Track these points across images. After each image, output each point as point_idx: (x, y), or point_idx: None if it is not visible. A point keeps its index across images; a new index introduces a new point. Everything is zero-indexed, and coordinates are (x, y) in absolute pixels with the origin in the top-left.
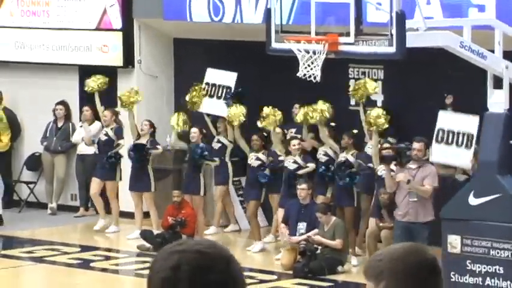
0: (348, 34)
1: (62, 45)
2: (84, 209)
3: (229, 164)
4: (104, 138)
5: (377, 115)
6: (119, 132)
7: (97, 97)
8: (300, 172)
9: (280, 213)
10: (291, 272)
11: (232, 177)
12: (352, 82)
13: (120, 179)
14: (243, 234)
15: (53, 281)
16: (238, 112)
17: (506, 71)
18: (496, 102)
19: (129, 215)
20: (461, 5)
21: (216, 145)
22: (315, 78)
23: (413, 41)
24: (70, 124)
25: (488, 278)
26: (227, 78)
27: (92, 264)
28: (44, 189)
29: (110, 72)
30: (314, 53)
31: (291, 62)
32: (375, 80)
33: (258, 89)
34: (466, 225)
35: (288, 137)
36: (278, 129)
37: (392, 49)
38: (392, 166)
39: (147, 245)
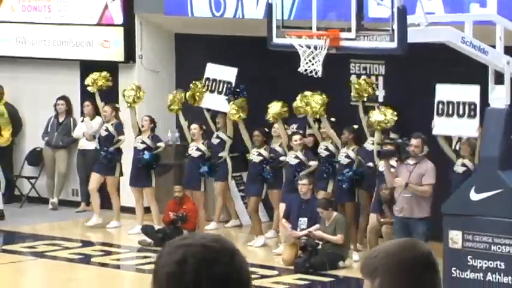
0: (349, 29)
1: (63, 41)
2: (85, 204)
3: (228, 160)
4: (104, 133)
5: (381, 120)
6: (119, 128)
7: (97, 95)
8: (303, 173)
9: (281, 209)
10: (292, 267)
11: (231, 173)
12: (353, 77)
13: (121, 174)
14: (244, 230)
15: (54, 276)
16: (240, 104)
17: (508, 66)
18: (497, 97)
19: (130, 210)
20: (463, 0)
21: (215, 140)
22: (316, 73)
23: (414, 36)
24: (71, 119)
25: (489, 274)
26: (228, 73)
27: (93, 260)
28: (45, 184)
29: (111, 68)
30: (315, 48)
31: (292, 57)
32: (376, 76)
33: (259, 84)
34: (467, 221)
35: (289, 132)
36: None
37: (393, 44)
38: (393, 162)
39: (148, 240)
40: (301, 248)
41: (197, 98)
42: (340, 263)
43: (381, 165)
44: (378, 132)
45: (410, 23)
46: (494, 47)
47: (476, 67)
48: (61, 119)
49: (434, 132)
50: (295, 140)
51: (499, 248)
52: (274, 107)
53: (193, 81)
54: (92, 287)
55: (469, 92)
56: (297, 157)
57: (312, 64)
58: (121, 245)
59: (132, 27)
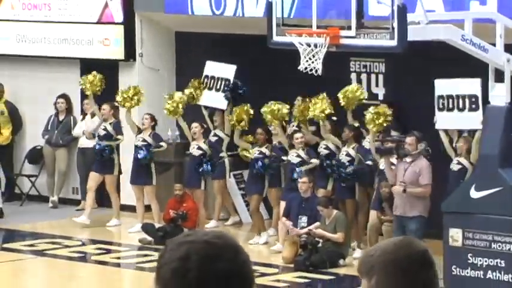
0: (349, 27)
1: (63, 39)
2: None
3: (226, 158)
4: (102, 133)
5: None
6: (117, 127)
7: (91, 97)
8: (302, 168)
9: (282, 207)
10: (292, 265)
11: (229, 171)
12: (353, 76)
13: (119, 172)
14: (245, 228)
15: (54, 274)
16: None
17: (508, 64)
18: (497, 95)
19: (131, 209)
20: None
21: (212, 138)
22: (316, 71)
23: (414, 34)
24: (71, 117)
25: (489, 272)
26: (226, 70)
27: (93, 258)
28: (45, 182)
29: (111, 66)
30: (315, 46)
31: (292, 56)
32: (376, 74)
33: (259, 82)
34: (467, 219)
35: (289, 130)
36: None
37: (393, 42)
38: (394, 160)
39: (149, 238)
40: (302, 246)
41: (195, 96)
42: (341, 261)
43: (382, 163)
44: (371, 133)
45: (411, 21)
46: (494, 44)
47: (477, 65)
48: (61, 118)
49: (437, 126)
50: (297, 138)
51: (499, 246)
52: (267, 109)
53: (192, 80)
54: (92, 285)
55: (470, 85)
56: (298, 155)
57: (312, 62)
58: (121, 243)
59: (133, 26)
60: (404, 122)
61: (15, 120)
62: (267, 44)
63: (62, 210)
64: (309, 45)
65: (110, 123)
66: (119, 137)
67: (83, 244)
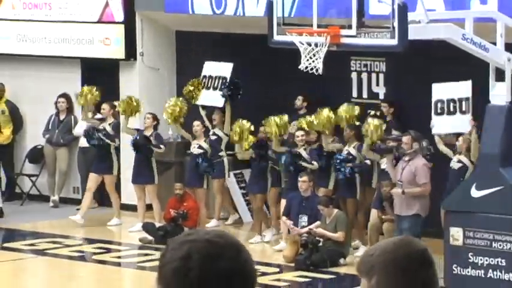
0: (349, 27)
1: (64, 38)
2: None
3: (225, 157)
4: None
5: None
6: (116, 128)
7: (84, 108)
8: (304, 164)
9: (282, 205)
10: (293, 264)
11: (228, 170)
12: (354, 75)
13: (118, 172)
14: (245, 227)
15: (55, 273)
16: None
17: (508, 63)
18: (498, 94)
19: (131, 208)
20: None
21: (212, 137)
22: (317, 70)
23: (415, 33)
24: (72, 117)
25: (490, 271)
26: (223, 68)
27: (93, 257)
28: (46, 182)
29: (112, 65)
30: (316, 45)
31: (293, 55)
32: (377, 73)
33: (260, 81)
34: (468, 218)
35: (291, 129)
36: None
37: (394, 41)
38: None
39: (149, 237)
40: (302, 245)
41: (194, 96)
42: (341, 260)
43: (383, 163)
44: (366, 143)
45: (411, 20)
46: (495, 44)
47: (477, 64)
48: (62, 117)
49: (434, 131)
50: (298, 136)
51: (500, 245)
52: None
53: (191, 80)
54: (93, 285)
55: (462, 88)
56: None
57: (313, 61)
58: (122, 243)
59: (133, 25)
60: (404, 121)
61: (16, 119)
62: (268, 43)
63: (62, 209)
64: (309, 44)
65: (109, 124)
66: (114, 143)
67: (84, 243)
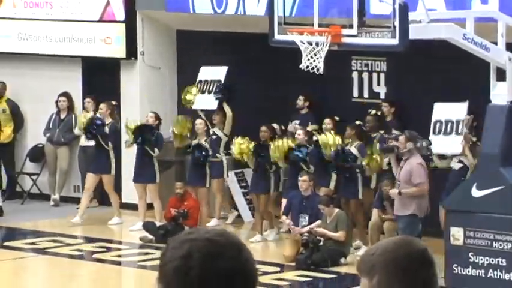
0: (350, 26)
1: (64, 37)
2: None
3: (224, 157)
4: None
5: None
6: (113, 129)
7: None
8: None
9: (283, 204)
10: (293, 263)
11: (227, 170)
12: (355, 74)
13: (116, 171)
14: (246, 226)
15: (56, 272)
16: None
17: (509, 63)
18: (498, 94)
19: (132, 207)
20: None
21: (212, 137)
22: (317, 70)
23: (416, 33)
24: (73, 116)
25: (491, 270)
26: (217, 72)
27: (94, 256)
28: (47, 180)
29: (113, 64)
30: (317, 44)
31: (294, 54)
32: (378, 73)
33: (261, 81)
34: (469, 217)
35: (291, 128)
36: None
37: (395, 41)
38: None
39: (150, 236)
40: (303, 244)
41: (191, 101)
42: (342, 260)
43: (384, 163)
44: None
45: (412, 19)
46: (496, 43)
47: (478, 64)
48: (62, 116)
49: (434, 151)
50: (299, 135)
51: (500, 245)
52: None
53: (187, 87)
54: (93, 284)
55: (458, 110)
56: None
57: (314, 61)
58: (122, 242)
59: (134, 24)
60: (405, 120)
61: (17, 118)
62: (269, 43)
63: (63, 208)
64: (310, 43)
65: (107, 124)
66: (107, 146)
67: (84, 242)
